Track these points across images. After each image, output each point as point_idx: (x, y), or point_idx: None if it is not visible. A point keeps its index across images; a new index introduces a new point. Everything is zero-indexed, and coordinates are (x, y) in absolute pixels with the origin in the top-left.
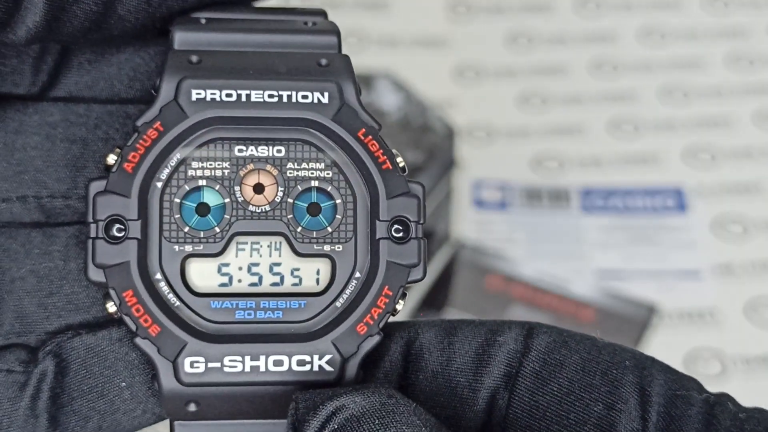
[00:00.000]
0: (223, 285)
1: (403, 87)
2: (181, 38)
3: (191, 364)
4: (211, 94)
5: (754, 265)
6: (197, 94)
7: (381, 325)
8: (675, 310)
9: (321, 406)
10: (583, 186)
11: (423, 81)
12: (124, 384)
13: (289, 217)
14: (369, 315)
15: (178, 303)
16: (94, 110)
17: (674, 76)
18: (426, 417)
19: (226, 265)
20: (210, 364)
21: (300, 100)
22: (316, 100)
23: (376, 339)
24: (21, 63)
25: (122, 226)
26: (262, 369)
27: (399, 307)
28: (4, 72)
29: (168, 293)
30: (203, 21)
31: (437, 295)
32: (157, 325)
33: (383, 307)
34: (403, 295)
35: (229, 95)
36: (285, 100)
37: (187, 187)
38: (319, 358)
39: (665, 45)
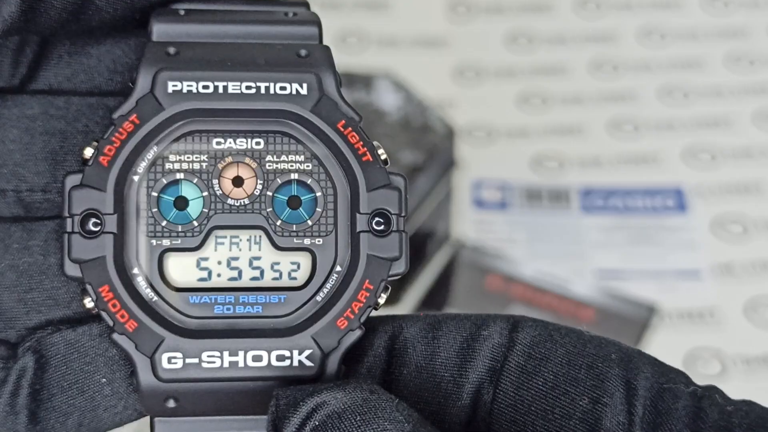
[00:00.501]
0: (202, 279)
1: (403, 87)
2: (159, 30)
3: (169, 360)
4: (188, 85)
5: (754, 265)
6: (173, 86)
7: (362, 319)
8: (675, 310)
9: (301, 403)
10: (583, 186)
11: (423, 81)
12: (104, 380)
13: (268, 210)
14: (349, 309)
15: (156, 298)
16: (74, 103)
17: (674, 76)
18: (409, 412)
19: (205, 259)
20: (188, 360)
21: (278, 91)
22: (294, 92)
23: (357, 333)
24: (0, 56)
25: (98, 221)
26: (241, 364)
27: (381, 300)
28: None
29: (145, 288)
30: (182, 12)
31: (437, 295)
32: (134, 321)
33: (364, 301)
34: (386, 289)
35: (206, 87)
36: (263, 91)
37: (164, 181)
38: (299, 353)
39: (665, 45)
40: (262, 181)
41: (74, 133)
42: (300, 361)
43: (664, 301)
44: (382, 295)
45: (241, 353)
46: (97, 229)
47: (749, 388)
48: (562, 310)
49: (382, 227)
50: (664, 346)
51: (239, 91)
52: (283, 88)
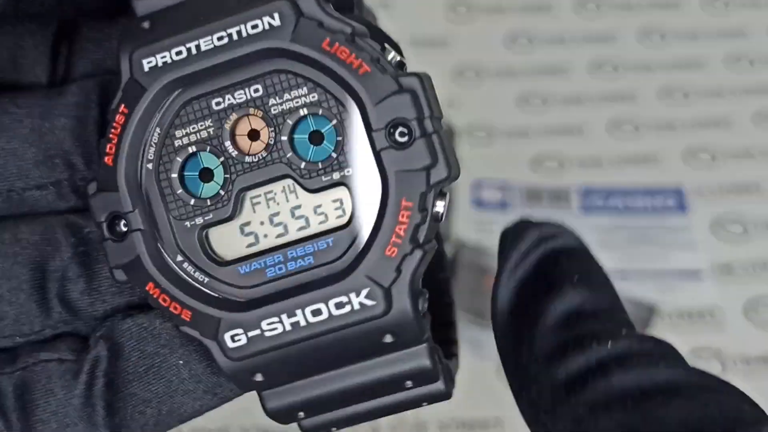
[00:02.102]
0: (250, 245)
1: None
2: (138, 7)
3: (233, 338)
4: (161, 58)
5: (754, 265)
6: (148, 63)
7: (419, 238)
8: (675, 310)
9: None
10: (583, 186)
11: None
12: (181, 362)
13: (288, 156)
14: (395, 235)
15: (207, 279)
16: (111, 85)
17: (674, 76)
18: None
19: (247, 224)
20: (250, 333)
21: (251, 31)
22: (267, 26)
23: (418, 254)
24: (39, 54)
25: (125, 221)
26: (303, 323)
27: (439, 209)
28: (25, 65)
29: (194, 272)
30: None
31: None
32: (188, 310)
33: (407, 221)
34: (441, 195)
35: (179, 53)
36: (236, 37)
37: (179, 159)
38: (357, 295)
39: (665, 45)
40: (272, 128)
41: None
42: (361, 303)
43: (664, 301)
44: (438, 203)
45: (299, 312)
46: (126, 229)
47: (749, 388)
48: None
49: (404, 138)
50: None
51: (212, 46)
52: (254, 27)
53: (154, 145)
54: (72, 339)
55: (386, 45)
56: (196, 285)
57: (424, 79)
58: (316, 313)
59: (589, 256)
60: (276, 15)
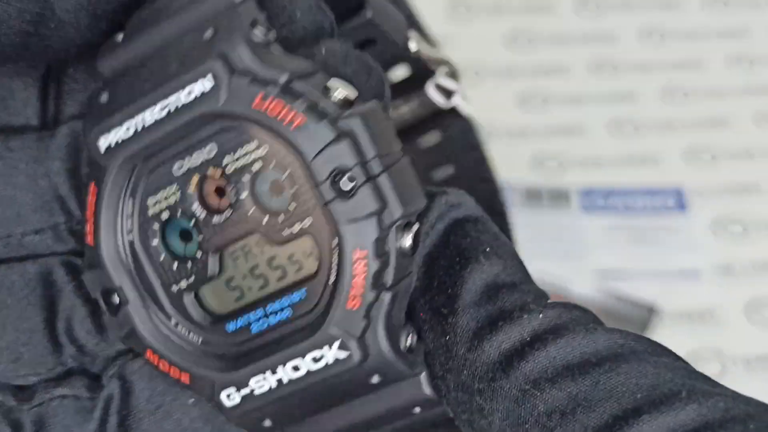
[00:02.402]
0: (238, 299)
1: None
2: (100, 66)
3: (228, 397)
4: (114, 136)
5: (754, 265)
6: (104, 142)
7: (384, 283)
8: (675, 310)
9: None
10: (583, 186)
11: None
12: (191, 401)
13: (251, 211)
14: (353, 288)
15: (200, 340)
16: None
17: (674, 76)
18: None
19: (231, 279)
20: (242, 392)
21: (187, 99)
22: (199, 93)
23: (387, 298)
24: (29, 95)
25: (116, 294)
26: (285, 380)
27: (406, 243)
28: (16, 106)
29: (188, 334)
30: (119, 38)
31: None
32: (186, 372)
33: (364, 271)
34: (407, 227)
35: (128, 129)
36: (174, 108)
37: (156, 227)
38: (330, 348)
39: (665, 45)
40: (232, 186)
41: None
42: (335, 356)
43: (664, 302)
44: (404, 238)
45: (280, 368)
46: (118, 302)
47: (750, 388)
48: None
49: (349, 187)
50: None
51: (157, 118)
52: (189, 93)
53: (129, 217)
54: (85, 377)
55: (331, 83)
56: (190, 348)
57: (368, 115)
58: (296, 369)
59: (492, 224)
60: (209, 76)
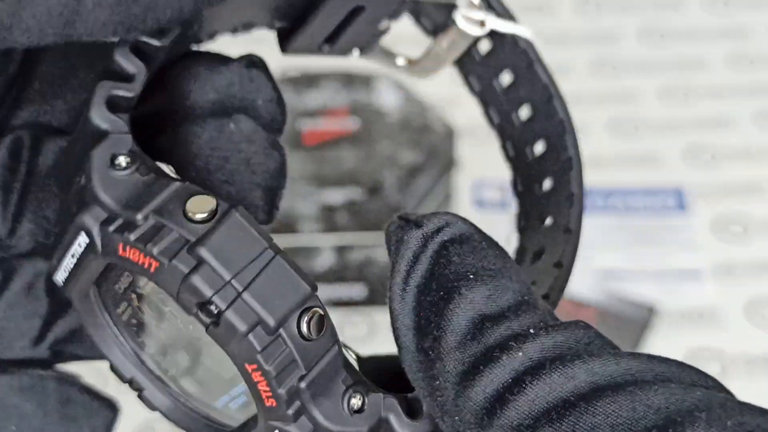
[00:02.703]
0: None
1: (403, 87)
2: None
3: None
4: (62, 274)
5: (754, 265)
6: (60, 277)
7: (290, 379)
8: (675, 310)
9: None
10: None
11: (423, 81)
12: None
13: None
14: (263, 392)
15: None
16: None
17: (674, 76)
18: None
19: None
20: None
21: (73, 262)
22: (82, 250)
23: (304, 384)
24: None
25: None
26: None
27: (304, 332)
28: None
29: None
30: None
31: None
32: None
33: (263, 378)
34: (303, 313)
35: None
36: (73, 265)
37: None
38: None
39: (665, 45)
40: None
41: None
42: None
43: (664, 302)
44: (299, 328)
45: None
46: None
47: (750, 388)
48: (562, 310)
49: (215, 315)
50: (664, 346)
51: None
52: (74, 255)
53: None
54: None
55: (190, 205)
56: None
57: (222, 234)
58: None
59: (479, 240)
60: (82, 233)
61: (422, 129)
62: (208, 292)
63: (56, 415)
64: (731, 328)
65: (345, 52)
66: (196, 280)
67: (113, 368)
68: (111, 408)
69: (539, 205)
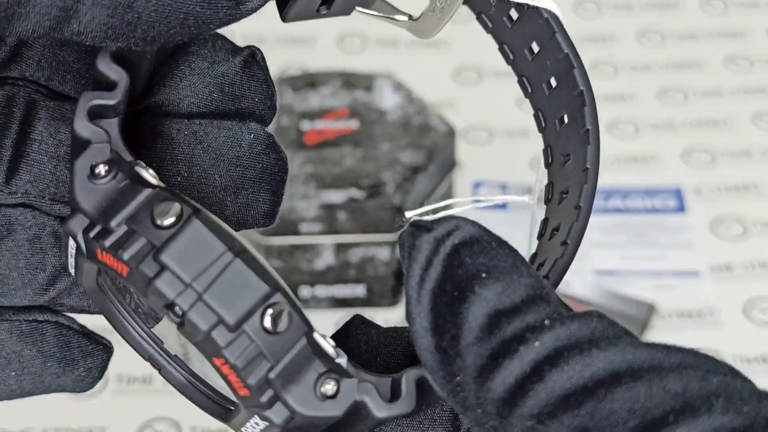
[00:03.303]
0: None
1: (403, 87)
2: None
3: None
4: None
5: (753, 265)
6: None
7: (260, 370)
8: (674, 309)
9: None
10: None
11: (423, 81)
12: None
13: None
14: (234, 383)
15: None
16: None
17: (674, 77)
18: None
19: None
20: None
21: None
22: (79, 244)
23: (274, 373)
24: None
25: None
26: None
27: (267, 325)
28: None
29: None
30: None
31: None
32: None
33: (232, 371)
34: (267, 308)
35: None
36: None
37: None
38: (253, 422)
39: (665, 45)
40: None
41: None
42: (261, 428)
43: (663, 301)
44: (262, 322)
45: None
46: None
47: None
48: None
49: (180, 316)
50: None
51: None
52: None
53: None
54: None
55: (158, 209)
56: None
57: (184, 235)
58: None
59: (489, 240)
60: (71, 239)
61: (422, 129)
62: (171, 295)
63: (55, 360)
64: (730, 327)
65: (345, 11)
66: (160, 283)
67: (134, 348)
68: (105, 349)
69: (563, 179)
